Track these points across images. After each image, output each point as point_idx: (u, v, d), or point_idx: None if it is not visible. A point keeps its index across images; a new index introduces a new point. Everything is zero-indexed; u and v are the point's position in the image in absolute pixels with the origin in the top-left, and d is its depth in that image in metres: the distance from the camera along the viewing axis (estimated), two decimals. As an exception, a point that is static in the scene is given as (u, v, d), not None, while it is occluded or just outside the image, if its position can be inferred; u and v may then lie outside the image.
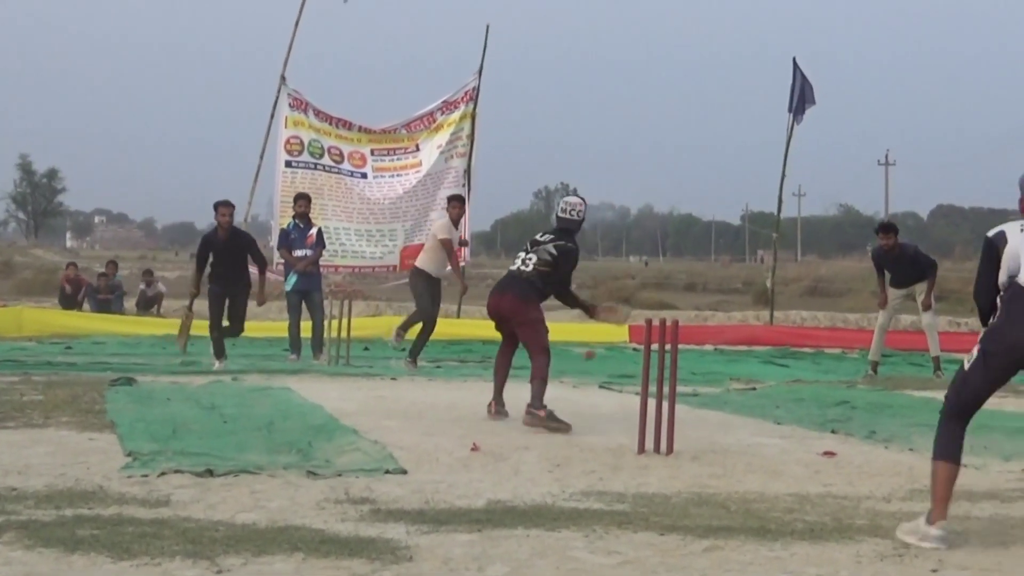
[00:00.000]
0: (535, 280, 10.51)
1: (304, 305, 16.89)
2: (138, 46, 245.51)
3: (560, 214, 10.96)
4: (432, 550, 5.56)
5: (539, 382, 10.17)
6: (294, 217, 17.32)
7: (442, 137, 20.81)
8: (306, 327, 16.91)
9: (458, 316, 22.37)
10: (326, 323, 16.97)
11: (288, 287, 17.00)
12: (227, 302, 15.45)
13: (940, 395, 13.00)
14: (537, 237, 10.87)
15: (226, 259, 15.38)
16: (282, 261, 17.52)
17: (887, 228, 16.63)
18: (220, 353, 15.29)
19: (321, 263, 17.53)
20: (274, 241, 18.99)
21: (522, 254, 10.78)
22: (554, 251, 10.57)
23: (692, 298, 43.41)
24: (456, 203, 16.43)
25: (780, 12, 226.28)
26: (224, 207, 15.37)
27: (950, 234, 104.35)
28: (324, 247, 17.65)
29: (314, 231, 17.18)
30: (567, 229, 10.76)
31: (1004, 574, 5.47)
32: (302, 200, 17.36)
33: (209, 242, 15.48)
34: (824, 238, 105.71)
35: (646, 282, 54.56)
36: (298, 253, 16.94)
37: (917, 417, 11.03)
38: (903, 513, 6.68)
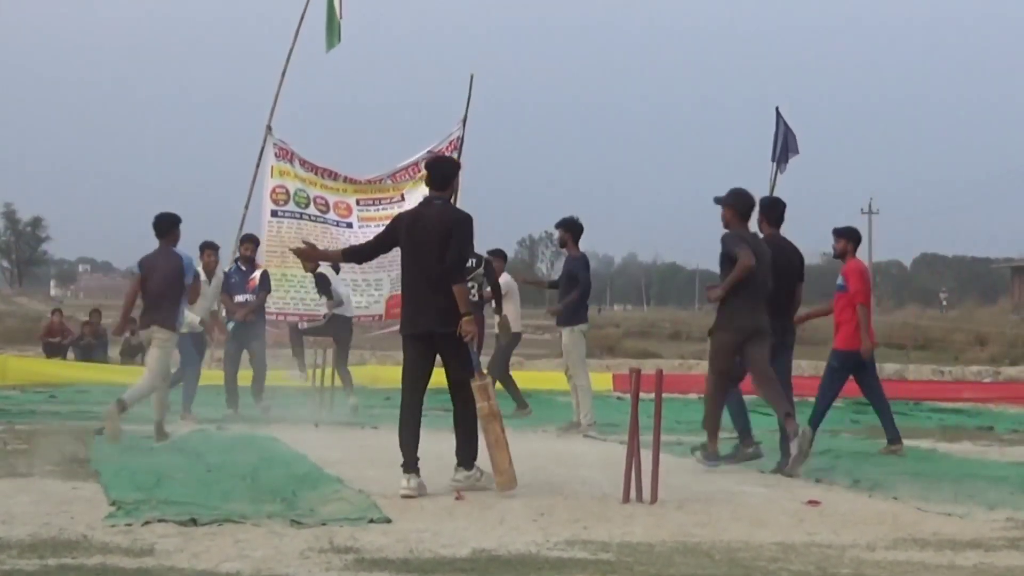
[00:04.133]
0: None
1: (247, 355, 16.00)
2: (121, 95, 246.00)
3: None
4: (417, 599, 5.56)
5: None
6: (236, 260, 16.70)
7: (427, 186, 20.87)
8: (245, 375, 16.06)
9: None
10: (310, 372, 16.67)
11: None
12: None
13: (925, 443, 13.08)
14: None
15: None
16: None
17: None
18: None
19: (290, 312, 17.31)
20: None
21: None
22: None
23: (676, 347, 43.41)
24: None
25: (763, 62, 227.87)
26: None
27: (934, 283, 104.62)
28: (269, 291, 16.72)
29: (257, 274, 16.44)
30: None
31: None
32: (248, 243, 16.79)
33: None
34: (808, 287, 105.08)
35: (630, 330, 54.60)
36: (239, 298, 16.07)
37: (901, 465, 11.06)
38: (888, 562, 6.69)
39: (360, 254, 10.21)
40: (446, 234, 9.25)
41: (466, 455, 9.35)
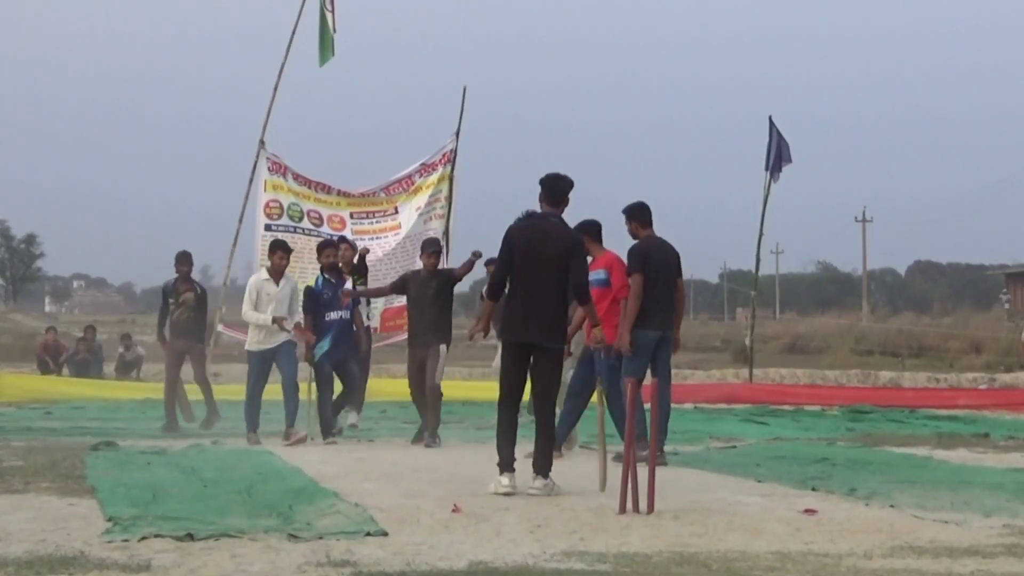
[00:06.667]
0: None
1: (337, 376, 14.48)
2: (114, 111, 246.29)
3: None
4: (414, 612, 5.55)
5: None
6: (323, 270, 14.64)
7: (421, 199, 20.85)
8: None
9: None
10: (304, 387, 14.65)
11: (318, 354, 14.24)
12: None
13: (921, 451, 13.10)
14: None
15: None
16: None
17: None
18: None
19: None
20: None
21: None
22: None
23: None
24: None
25: (756, 71, 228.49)
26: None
27: (928, 290, 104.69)
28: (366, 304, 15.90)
29: (348, 284, 14.78)
30: None
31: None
32: (329, 249, 14.77)
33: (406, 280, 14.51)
34: (802, 295, 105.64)
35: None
36: (332, 316, 14.32)
37: (898, 474, 11.05)
38: (885, 570, 6.69)
39: (498, 289, 10.15)
40: (566, 255, 9.74)
41: (543, 464, 9.77)
